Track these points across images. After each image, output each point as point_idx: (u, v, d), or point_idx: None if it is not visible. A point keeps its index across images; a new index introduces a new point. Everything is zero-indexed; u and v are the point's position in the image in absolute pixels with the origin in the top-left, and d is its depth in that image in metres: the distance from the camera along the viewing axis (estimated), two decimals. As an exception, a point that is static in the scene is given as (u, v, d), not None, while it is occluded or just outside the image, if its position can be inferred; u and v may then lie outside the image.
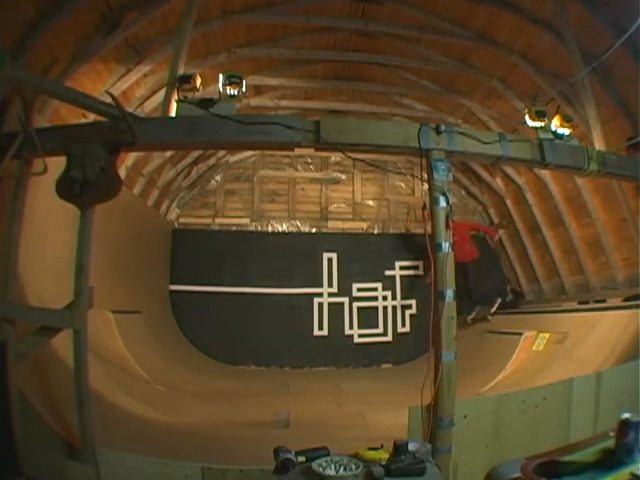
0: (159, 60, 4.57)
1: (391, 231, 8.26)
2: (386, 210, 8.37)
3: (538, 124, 3.29)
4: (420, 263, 7.57)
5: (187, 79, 2.98)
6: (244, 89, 2.96)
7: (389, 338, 7.64)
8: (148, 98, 5.02)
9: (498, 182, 7.44)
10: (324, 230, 8.09)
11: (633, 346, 3.74)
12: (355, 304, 7.63)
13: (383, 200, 8.39)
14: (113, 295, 4.94)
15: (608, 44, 3.95)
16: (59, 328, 2.72)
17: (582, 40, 4.01)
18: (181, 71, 3.14)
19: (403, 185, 8.43)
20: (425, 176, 2.94)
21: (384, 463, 1.98)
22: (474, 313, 6.86)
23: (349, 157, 3.19)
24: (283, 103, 6.48)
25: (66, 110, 3.92)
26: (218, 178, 8.03)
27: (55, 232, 3.79)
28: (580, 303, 5.94)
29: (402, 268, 7.77)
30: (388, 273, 7.77)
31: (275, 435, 3.63)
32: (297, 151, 3.60)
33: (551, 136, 3.28)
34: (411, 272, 7.72)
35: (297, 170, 8.31)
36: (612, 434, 1.98)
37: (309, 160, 8.26)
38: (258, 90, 6.30)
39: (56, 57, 3.74)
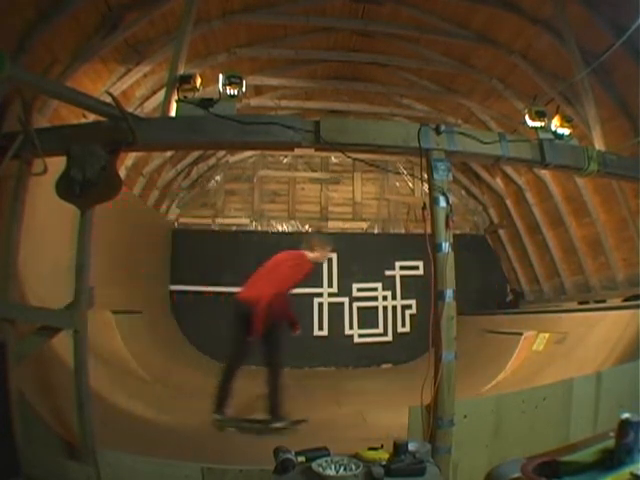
0: (159, 60, 4.57)
1: (391, 231, 8.27)
2: (386, 210, 8.38)
3: (538, 124, 3.28)
4: (420, 263, 7.55)
5: (187, 79, 2.97)
6: (244, 89, 2.95)
7: (389, 338, 7.66)
8: (148, 98, 5.02)
9: (498, 182, 7.44)
10: (324, 230, 8.09)
11: (633, 346, 3.73)
12: (355, 304, 7.64)
13: (383, 200, 8.40)
14: (113, 295, 4.93)
15: (608, 44, 3.96)
16: (59, 328, 2.71)
17: (582, 40, 4.00)
18: (181, 71, 3.12)
19: (403, 185, 8.43)
20: (425, 176, 2.94)
21: (384, 463, 1.98)
22: None
23: (349, 157, 3.18)
24: (283, 103, 6.48)
25: (66, 110, 3.92)
26: (218, 178, 8.04)
27: (55, 232, 3.78)
28: (580, 303, 5.94)
29: (402, 268, 7.78)
30: (388, 273, 7.79)
31: (275, 435, 3.62)
32: (297, 151, 3.59)
33: (551, 136, 3.27)
34: (411, 272, 7.71)
35: (297, 170, 8.31)
36: (612, 434, 1.97)
37: (309, 160, 8.26)
38: (258, 90, 6.30)
39: (56, 57, 3.74)
